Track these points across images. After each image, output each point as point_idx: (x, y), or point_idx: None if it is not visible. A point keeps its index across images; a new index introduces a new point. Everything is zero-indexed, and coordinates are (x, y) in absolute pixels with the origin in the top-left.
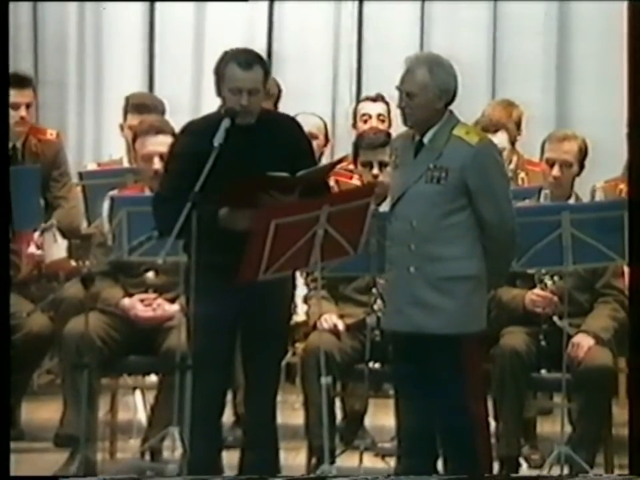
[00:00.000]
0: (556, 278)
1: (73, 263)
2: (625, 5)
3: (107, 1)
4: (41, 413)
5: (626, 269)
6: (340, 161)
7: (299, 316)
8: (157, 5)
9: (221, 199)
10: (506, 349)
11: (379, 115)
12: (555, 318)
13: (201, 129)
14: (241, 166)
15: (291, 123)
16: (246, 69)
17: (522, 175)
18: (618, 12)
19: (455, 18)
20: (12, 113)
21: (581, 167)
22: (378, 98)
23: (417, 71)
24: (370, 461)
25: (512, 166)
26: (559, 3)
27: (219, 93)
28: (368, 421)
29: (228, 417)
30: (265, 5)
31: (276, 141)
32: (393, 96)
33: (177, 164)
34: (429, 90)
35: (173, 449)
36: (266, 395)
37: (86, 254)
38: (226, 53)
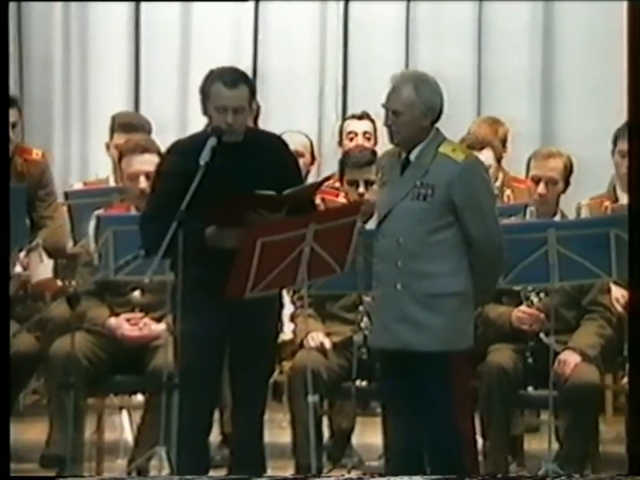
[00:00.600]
0: (542, 295)
1: (59, 283)
2: (615, 17)
3: (92, 1)
4: (27, 433)
5: (613, 286)
6: (326, 179)
7: (286, 334)
8: (143, 22)
9: (207, 217)
10: (493, 366)
11: (365, 132)
12: (542, 335)
13: (187, 148)
14: (227, 184)
15: (277, 141)
16: (231, 87)
17: (508, 192)
18: (604, 27)
19: (440, 33)
20: None
21: (566, 184)
22: (364, 116)
23: (403, 89)
24: None
25: (498, 183)
26: (544, 17)
27: (205, 111)
28: (355, 439)
29: (215, 435)
30: (250, 22)
31: (262, 159)
32: (379, 113)
33: (163, 183)
34: (415, 108)
35: (160, 469)
36: (253, 413)
37: (72, 273)
38: (211, 72)
